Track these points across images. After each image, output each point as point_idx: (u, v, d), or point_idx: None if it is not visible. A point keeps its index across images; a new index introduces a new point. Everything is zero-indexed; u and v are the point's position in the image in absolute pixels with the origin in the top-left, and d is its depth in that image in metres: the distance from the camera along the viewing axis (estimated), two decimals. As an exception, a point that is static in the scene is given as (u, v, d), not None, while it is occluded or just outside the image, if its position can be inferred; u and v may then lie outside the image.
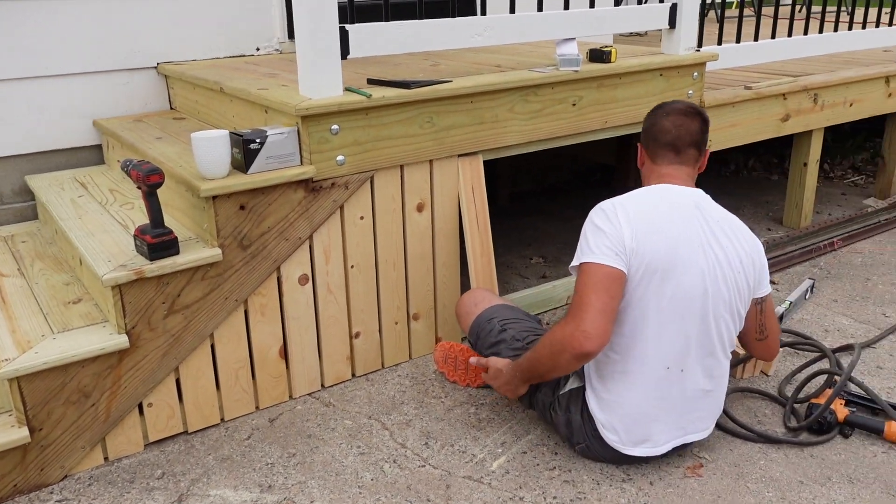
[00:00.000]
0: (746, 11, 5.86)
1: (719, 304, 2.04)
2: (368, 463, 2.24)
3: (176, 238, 2.23)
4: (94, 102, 3.25)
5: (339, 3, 2.31)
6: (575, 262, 2.04)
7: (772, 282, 3.33)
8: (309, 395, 2.58)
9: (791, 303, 3.02)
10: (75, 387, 2.14)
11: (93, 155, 3.32)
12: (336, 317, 2.56)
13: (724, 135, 3.41)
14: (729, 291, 2.05)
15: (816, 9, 4.53)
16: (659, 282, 1.98)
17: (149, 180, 2.16)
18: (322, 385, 2.62)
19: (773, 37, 3.63)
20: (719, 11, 3.65)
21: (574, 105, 2.86)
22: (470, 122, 2.64)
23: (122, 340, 2.16)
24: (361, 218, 2.53)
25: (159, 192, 2.21)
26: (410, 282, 2.70)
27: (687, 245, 2.01)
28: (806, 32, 3.77)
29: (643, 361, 2.03)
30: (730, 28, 3.62)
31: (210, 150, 2.21)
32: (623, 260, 1.96)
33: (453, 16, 2.65)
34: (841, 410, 2.30)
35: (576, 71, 2.79)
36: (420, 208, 2.65)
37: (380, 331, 2.68)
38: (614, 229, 1.99)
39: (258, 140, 2.28)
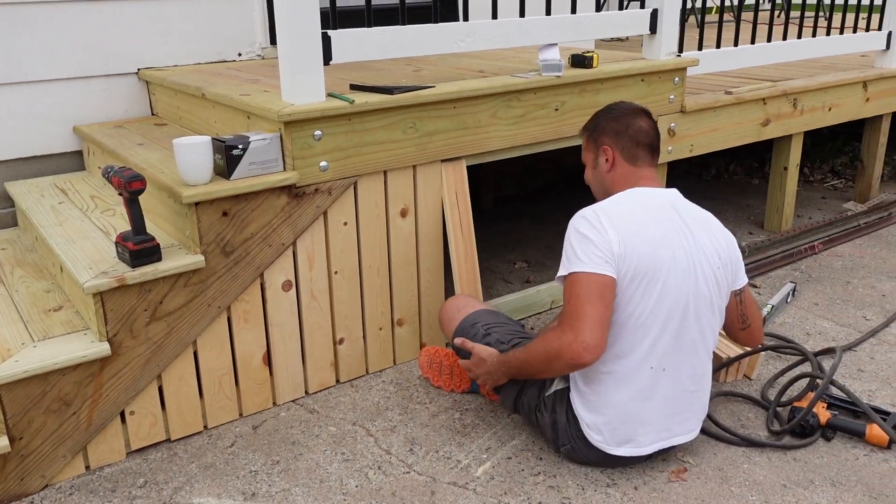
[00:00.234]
0: (726, 17, 5.92)
1: (701, 303, 2.05)
2: (353, 470, 2.23)
3: (158, 245, 2.22)
4: (73, 108, 3.23)
5: (321, 8, 2.30)
6: (563, 272, 2.02)
7: (753, 285, 3.36)
8: (293, 401, 2.57)
9: (773, 306, 3.04)
10: (56, 395, 2.11)
11: (73, 161, 3.30)
12: (320, 323, 2.56)
13: (705, 139, 3.43)
14: (710, 289, 2.06)
15: (795, 14, 4.57)
16: (646, 285, 1.98)
17: (130, 187, 2.14)
18: (306, 391, 2.61)
19: (752, 42, 3.66)
20: (700, 17, 3.67)
21: (556, 110, 2.87)
22: (453, 127, 2.65)
23: (103, 348, 2.14)
24: (345, 224, 2.52)
25: (141, 198, 2.20)
26: (394, 287, 2.69)
27: (668, 247, 2.02)
28: (785, 38, 3.80)
29: (628, 362, 2.04)
30: (710, 33, 3.64)
31: (192, 156, 2.20)
32: (612, 266, 1.96)
33: (436, 21, 2.65)
34: (823, 414, 2.32)
35: (558, 76, 2.80)
36: (404, 214, 2.64)
37: (364, 337, 2.68)
38: (600, 236, 1.98)
39: (241, 146, 2.27)
